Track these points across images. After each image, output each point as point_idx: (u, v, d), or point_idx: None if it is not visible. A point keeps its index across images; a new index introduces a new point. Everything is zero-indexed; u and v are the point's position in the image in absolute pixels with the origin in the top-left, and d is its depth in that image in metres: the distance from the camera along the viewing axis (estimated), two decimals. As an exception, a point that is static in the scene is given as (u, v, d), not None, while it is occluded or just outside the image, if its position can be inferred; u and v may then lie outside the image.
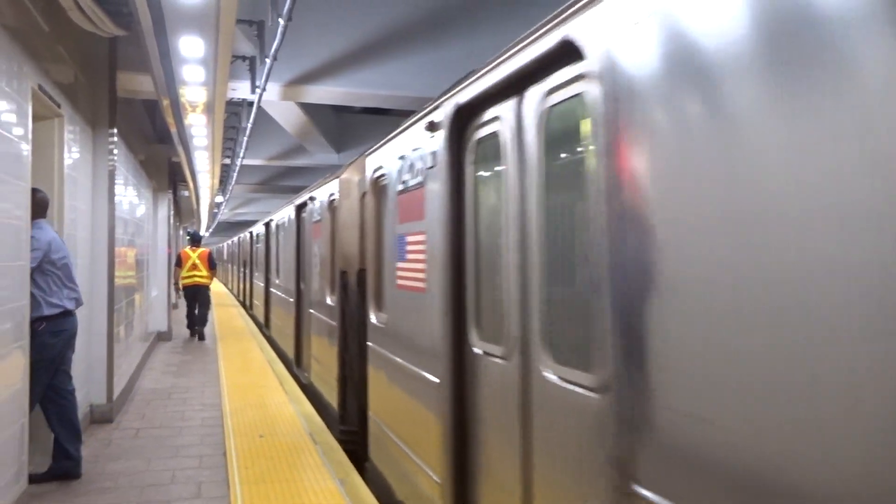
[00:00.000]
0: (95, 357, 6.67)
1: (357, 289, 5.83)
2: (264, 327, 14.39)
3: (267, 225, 14.25)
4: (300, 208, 9.39)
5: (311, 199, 8.28)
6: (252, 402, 7.79)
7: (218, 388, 8.55)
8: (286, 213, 11.03)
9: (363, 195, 5.62)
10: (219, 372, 9.73)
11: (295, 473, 5.29)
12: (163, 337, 13.20)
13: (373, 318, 5.03)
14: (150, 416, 7.09)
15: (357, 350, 5.80)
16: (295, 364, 9.74)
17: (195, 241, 14.30)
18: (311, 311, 8.31)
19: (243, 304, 21.80)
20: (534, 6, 7.69)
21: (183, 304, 14.25)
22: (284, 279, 10.99)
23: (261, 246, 15.48)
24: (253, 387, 8.66)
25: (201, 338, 13.35)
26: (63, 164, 5.39)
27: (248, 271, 20.64)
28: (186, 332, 13.79)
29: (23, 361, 4.35)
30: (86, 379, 6.50)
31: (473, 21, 7.80)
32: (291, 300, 9.95)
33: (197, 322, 13.53)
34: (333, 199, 6.93)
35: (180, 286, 13.67)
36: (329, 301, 7.01)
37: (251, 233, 18.92)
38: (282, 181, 20.97)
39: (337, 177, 6.67)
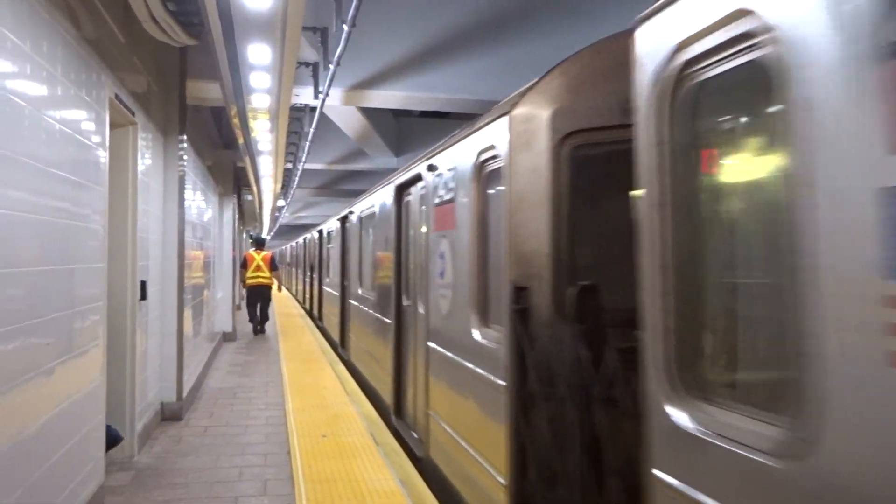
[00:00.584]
0: (166, 356, 6.89)
1: (558, 320, 3.23)
2: (340, 347, 11.90)
3: (344, 220, 11.65)
4: (406, 187, 6.51)
5: (432, 167, 5.31)
6: (314, 402, 7.92)
7: (281, 388, 8.73)
8: (376, 200, 8.20)
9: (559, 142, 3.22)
10: (281, 372, 9.93)
11: (357, 473, 5.36)
12: (228, 337, 13.55)
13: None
14: (218, 415, 7.29)
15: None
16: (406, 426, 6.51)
17: (259, 244, 15.47)
18: (434, 345, 5.24)
19: (310, 314, 19.46)
20: (595, 5, 7.63)
21: (244, 305, 15.45)
22: (372, 291, 8.35)
23: (334, 247, 12.96)
24: (314, 387, 8.81)
25: (262, 332, 14.60)
26: (137, 169, 5.59)
27: (315, 277, 17.80)
28: (250, 329, 14.76)
29: (101, 359, 4.53)
30: (157, 377, 6.73)
31: (534, 22, 7.77)
32: (388, 321, 7.22)
33: (259, 319, 14.58)
34: (490, 159, 4.03)
35: (245, 286, 14.76)
36: (480, 338, 4.11)
37: (321, 231, 16.29)
38: (341, 185, 21.27)
39: (504, 114, 3.74)
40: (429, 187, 5.48)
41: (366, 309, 8.75)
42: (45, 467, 3.49)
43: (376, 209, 8.19)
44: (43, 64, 3.42)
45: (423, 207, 5.65)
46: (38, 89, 3.36)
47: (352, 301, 10.37)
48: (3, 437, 2.95)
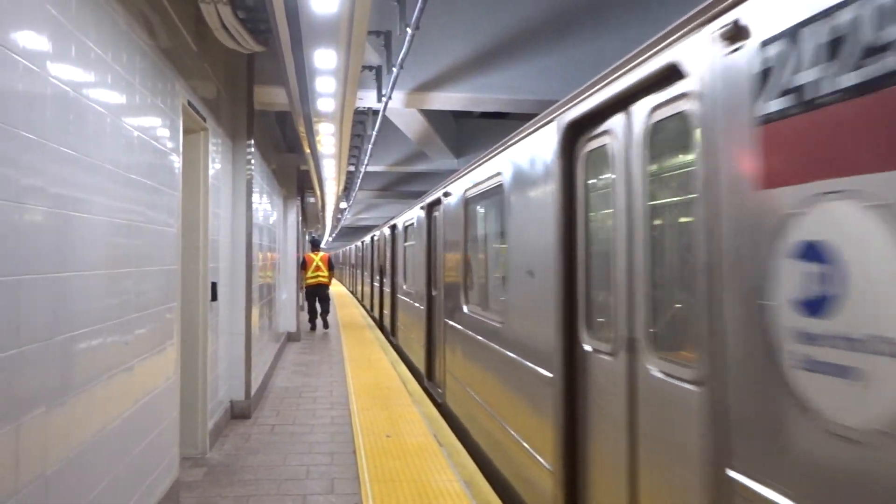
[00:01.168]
0: (235, 355, 7.07)
1: None
2: (427, 380, 9.22)
3: (432, 207, 8.68)
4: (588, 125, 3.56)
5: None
6: (377, 401, 8.00)
7: (345, 388, 8.85)
8: (477, 177, 5.92)
9: None
10: (345, 372, 10.07)
11: (421, 474, 5.38)
12: (292, 337, 13.81)
13: None
14: (284, 413, 7.43)
15: None
16: None
17: (315, 246, 16.65)
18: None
19: (380, 326, 16.54)
20: (662, 5, 7.49)
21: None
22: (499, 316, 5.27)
23: (414, 246, 10.40)
24: (377, 387, 8.90)
25: (326, 326, 15.92)
26: (208, 174, 5.75)
27: (387, 283, 14.98)
28: (311, 332, 15.65)
29: (175, 358, 4.68)
30: (227, 376, 6.91)
31: (598, 21, 7.67)
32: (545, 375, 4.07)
33: (321, 314, 15.89)
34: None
35: (304, 285, 15.68)
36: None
37: (394, 227, 13.59)
38: (402, 187, 21.45)
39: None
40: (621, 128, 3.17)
41: (481, 339, 5.80)
42: (125, 461, 3.63)
43: (505, 177, 5.00)
44: (122, 74, 3.56)
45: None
46: (118, 98, 3.50)
47: (451, 322, 7.21)
48: (88, 430, 3.08)
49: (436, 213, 8.57)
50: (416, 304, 10.17)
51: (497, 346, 5.22)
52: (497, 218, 5.45)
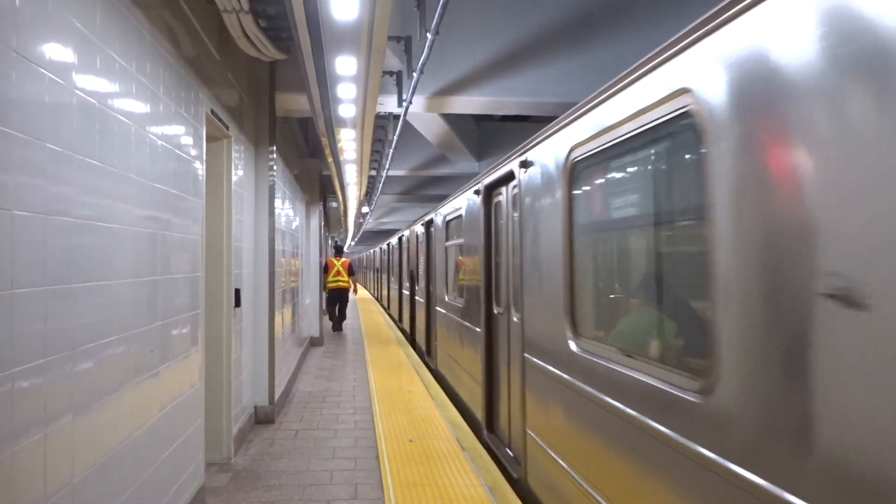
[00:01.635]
0: (259, 361, 7.12)
1: None
2: (486, 431, 6.60)
3: (491, 193, 6.54)
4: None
5: None
6: (400, 406, 8.00)
7: (367, 393, 8.86)
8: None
9: None
10: (368, 376, 10.09)
11: (445, 478, 5.37)
12: (315, 342, 13.88)
13: None
14: (308, 418, 7.46)
15: None
16: None
17: (339, 251, 17.86)
18: None
19: (412, 341, 14.50)
20: (683, 6, 7.42)
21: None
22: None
23: (464, 245, 7.86)
24: (400, 391, 8.90)
25: (340, 329, 16.67)
26: (231, 181, 5.80)
27: (419, 291, 12.95)
28: (333, 332, 16.51)
29: (200, 364, 4.72)
30: (251, 381, 6.96)
31: (620, 23, 7.62)
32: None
33: (338, 318, 16.70)
34: None
35: (326, 288, 16.31)
36: None
37: (430, 222, 11.10)
38: (423, 190, 21.47)
39: None
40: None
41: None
42: (153, 467, 3.66)
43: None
44: (147, 84, 3.60)
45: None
46: (142, 108, 3.54)
47: (540, 363, 4.62)
48: (115, 437, 3.11)
49: (498, 198, 6.16)
50: (466, 324, 7.75)
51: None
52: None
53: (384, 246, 25.88)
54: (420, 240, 12.65)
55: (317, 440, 6.56)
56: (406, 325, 15.88)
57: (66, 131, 2.62)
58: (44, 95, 2.45)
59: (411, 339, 14.67)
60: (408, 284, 15.23)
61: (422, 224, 12.29)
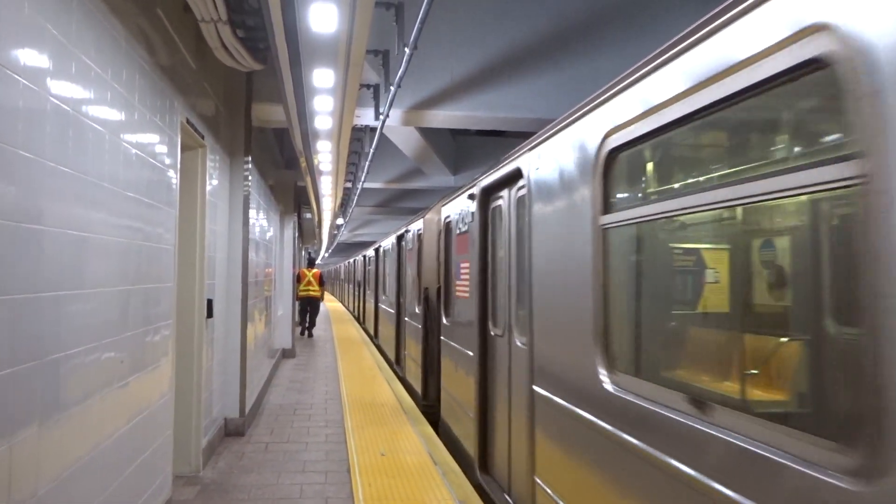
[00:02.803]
0: (230, 372, 7.04)
1: None
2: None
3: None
4: None
5: None
6: (372, 419, 7.96)
7: (340, 405, 8.80)
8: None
9: None
10: (340, 389, 10.02)
11: (417, 493, 5.35)
12: (287, 354, 13.76)
13: None
14: (279, 431, 7.39)
15: None
16: None
17: (311, 263, 19.35)
18: None
19: (397, 372, 11.96)
20: (656, 24, 7.56)
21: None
22: None
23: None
24: (373, 404, 8.85)
25: (310, 335, 18.15)
26: (205, 190, 5.76)
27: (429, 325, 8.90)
28: (300, 336, 17.56)
29: (170, 374, 4.66)
30: (222, 393, 6.88)
31: (594, 41, 7.73)
32: None
33: (308, 325, 18.27)
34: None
35: (298, 297, 17.48)
36: None
37: (458, 217, 6.95)
38: (398, 203, 21.47)
39: None
40: None
41: None
42: (120, 479, 3.60)
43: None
44: (122, 92, 3.57)
45: None
46: (117, 116, 3.51)
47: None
48: (82, 448, 3.06)
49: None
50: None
51: None
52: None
53: (362, 256, 22.18)
54: (412, 246, 10.11)
55: (287, 453, 6.49)
56: (388, 347, 13.52)
57: (38, 138, 2.60)
58: (17, 101, 2.43)
59: (396, 365, 12.36)
60: (392, 305, 12.55)
61: (416, 224, 9.81)
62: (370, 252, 16.14)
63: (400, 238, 12.16)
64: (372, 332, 17.66)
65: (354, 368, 12.31)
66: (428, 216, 8.80)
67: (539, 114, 7.76)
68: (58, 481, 2.80)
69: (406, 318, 10.95)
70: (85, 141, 3.07)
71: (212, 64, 5.76)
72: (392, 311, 12.90)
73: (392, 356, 12.91)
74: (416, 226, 9.98)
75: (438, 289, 7.81)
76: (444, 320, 7.44)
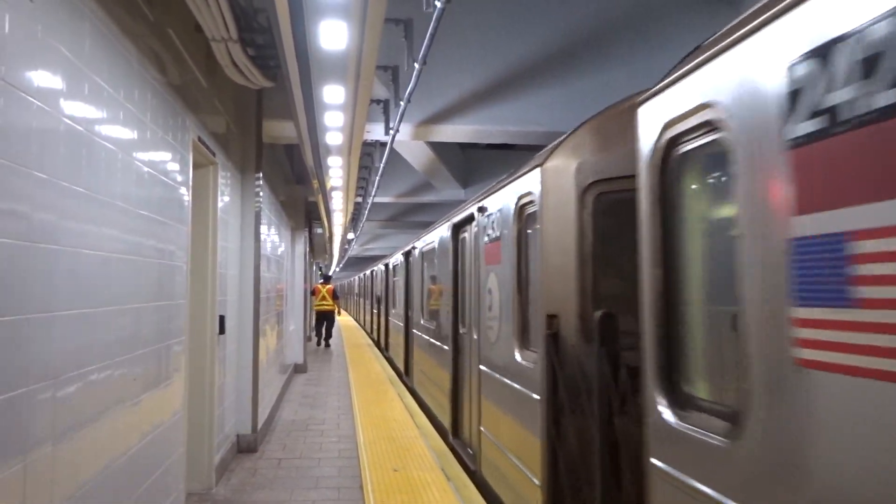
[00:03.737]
0: (242, 389, 7.04)
1: None
2: None
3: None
4: None
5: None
6: (384, 434, 7.94)
7: (352, 420, 8.79)
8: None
9: None
10: (352, 405, 10.00)
11: (430, 509, 5.32)
12: (299, 369, 13.76)
13: None
14: (291, 447, 7.38)
15: None
16: None
17: (326, 279, 20.88)
18: None
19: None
20: (664, 38, 7.56)
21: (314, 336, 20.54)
22: None
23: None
24: (385, 420, 8.83)
25: (328, 346, 19.70)
26: (217, 207, 5.79)
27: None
28: (318, 347, 19.46)
29: (183, 390, 4.67)
30: (234, 409, 6.88)
31: (606, 51, 7.74)
32: None
33: (326, 336, 19.84)
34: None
35: (314, 310, 19.93)
36: None
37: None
38: (409, 217, 21.53)
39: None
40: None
41: None
42: (133, 497, 3.60)
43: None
44: (134, 111, 3.60)
45: None
46: (129, 135, 3.54)
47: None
48: (95, 466, 3.06)
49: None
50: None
51: None
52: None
53: (379, 267, 20.53)
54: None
55: (300, 469, 6.48)
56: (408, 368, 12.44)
57: (52, 158, 2.62)
58: (31, 123, 2.45)
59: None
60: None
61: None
62: (398, 258, 14.06)
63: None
64: (400, 363, 13.53)
65: (365, 381, 12.29)
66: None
67: (547, 127, 7.77)
68: (71, 499, 2.80)
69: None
70: (98, 160, 3.09)
71: (222, 82, 5.80)
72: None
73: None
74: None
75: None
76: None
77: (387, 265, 18.06)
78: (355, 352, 18.50)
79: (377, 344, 20.31)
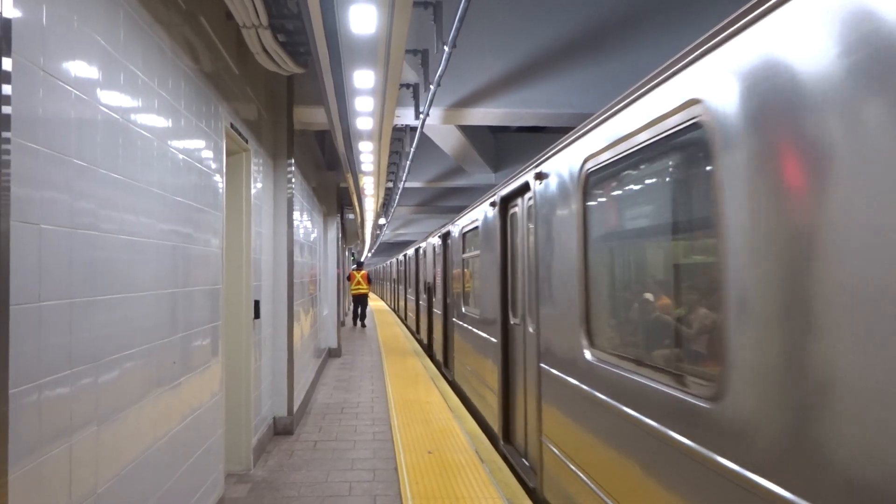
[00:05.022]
0: (277, 372, 7.15)
1: None
2: None
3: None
4: None
5: None
6: (419, 417, 8.00)
7: (386, 404, 8.87)
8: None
9: None
10: (386, 388, 10.10)
11: (464, 490, 5.36)
12: (333, 353, 13.91)
13: None
14: (326, 429, 7.48)
15: None
16: None
17: (359, 266, 23.37)
18: None
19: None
20: (695, 16, 7.42)
21: (348, 321, 23.03)
22: None
23: None
24: (418, 402, 8.90)
25: (363, 325, 21.90)
26: (250, 193, 5.86)
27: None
28: (354, 327, 21.72)
29: (220, 374, 4.76)
30: (270, 392, 6.99)
31: (634, 34, 7.63)
32: None
33: (361, 317, 21.94)
34: None
35: (350, 294, 22.43)
36: None
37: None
38: (440, 202, 21.53)
39: None
40: None
41: None
42: (174, 478, 3.69)
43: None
44: (168, 99, 3.66)
45: None
46: (164, 123, 3.59)
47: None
48: (138, 447, 3.15)
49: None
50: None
51: None
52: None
53: (422, 246, 16.68)
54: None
55: (335, 451, 6.57)
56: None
57: (90, 147, 2.68)
58: (70, 112, 2.51)
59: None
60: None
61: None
62: (435, 241, 12.47)
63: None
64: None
65: (399, 368, 12.38)
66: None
67: (578, 108, 7.69)
68: (115, 479, 2.88)
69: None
70: (134, 148, 3.15)
71: (253, 69, 5.85)
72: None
73: None
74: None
75: None
76: None
77: (417, 250, 17.16)
78: (387, 331, 18.63)
79: (414, 334, 18.99)
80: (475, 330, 8.19)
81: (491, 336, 7.14)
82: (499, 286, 6.60)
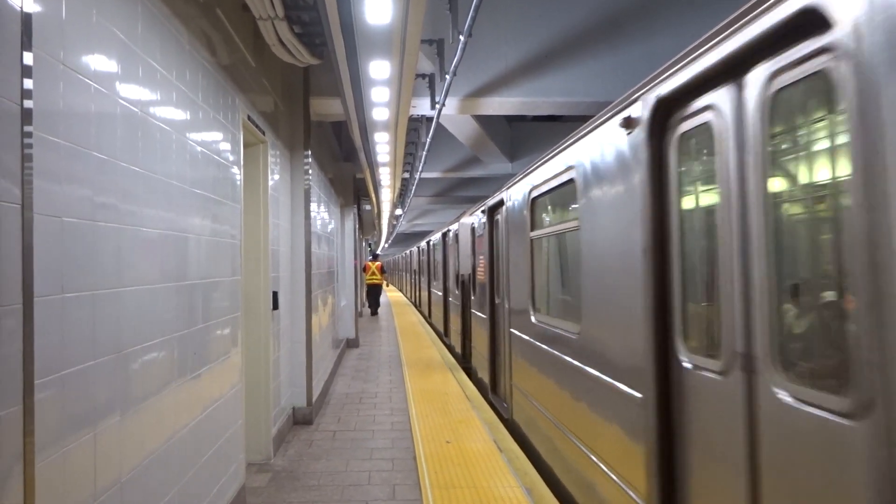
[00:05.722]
0: (296, 363, 7.20)
1: None
2: None
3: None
4: None
5: None
6: (437, 408, 8.03)
7: (404, 394, 8.91)
8: None
9: None
10: (404, 379, 10.14)
11: (482, 479, 5.38)
12: (351, 344, 13.98)
13: None
14: (345, 420, 7.53)
15: None
16: None
17: (374, 257, 24.06)
18: None
19: None
20: (713, 4, 7.33)
21: (366, 313, 23.51)
22: None
23: None
24: (436, 392, 8.93)
25: (375, 313, 23.14)
26: (267, 185, 5.88)
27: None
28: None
29: (240, 365, 4.80)
30: (289, 383, 7.05)
31: (651, 22, 7.56)
32: None
33: (373, 305, 23.20)
34: None
35: (365, 284, 23.09)
36: None
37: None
38: (456, 192, 21.49)
39: None
40: None
41: None
42: (196, 467, 3.73)
43: None
44: (186, 92, 3.68)
45: None
46: (182, 115, 3.61)
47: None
48: (160, 438, 3.19)
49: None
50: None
51: None
52: None
53: (447, 232, 14.52)
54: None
55: (354, 441, 6.62)
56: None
57: (110, 140, 2.70)
58: (90, 105, 2.53)
59: None
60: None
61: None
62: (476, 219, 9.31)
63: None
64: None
65: (416, 357, 12.42)
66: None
67: (595, 97, 7.64)
68: (139, 468, 2.92)
69: None
70: (153, 140, 3.17)
71: (269, 60, 5.87)
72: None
73: None
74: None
75: None
76: None
77: (444, 233, 14.42)
78: (403, 320, 18.69)
79: (441, 337, 15.94)
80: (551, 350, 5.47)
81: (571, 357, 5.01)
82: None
